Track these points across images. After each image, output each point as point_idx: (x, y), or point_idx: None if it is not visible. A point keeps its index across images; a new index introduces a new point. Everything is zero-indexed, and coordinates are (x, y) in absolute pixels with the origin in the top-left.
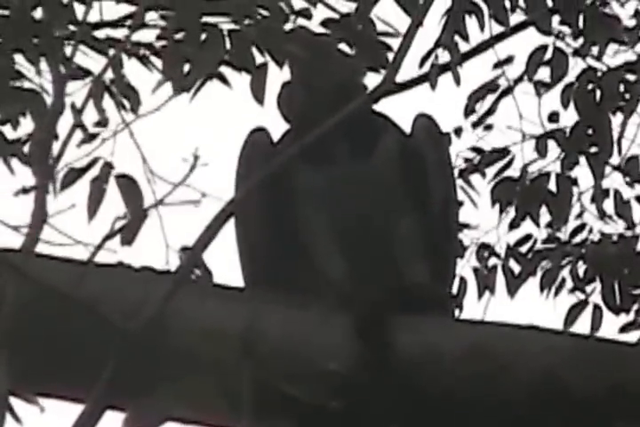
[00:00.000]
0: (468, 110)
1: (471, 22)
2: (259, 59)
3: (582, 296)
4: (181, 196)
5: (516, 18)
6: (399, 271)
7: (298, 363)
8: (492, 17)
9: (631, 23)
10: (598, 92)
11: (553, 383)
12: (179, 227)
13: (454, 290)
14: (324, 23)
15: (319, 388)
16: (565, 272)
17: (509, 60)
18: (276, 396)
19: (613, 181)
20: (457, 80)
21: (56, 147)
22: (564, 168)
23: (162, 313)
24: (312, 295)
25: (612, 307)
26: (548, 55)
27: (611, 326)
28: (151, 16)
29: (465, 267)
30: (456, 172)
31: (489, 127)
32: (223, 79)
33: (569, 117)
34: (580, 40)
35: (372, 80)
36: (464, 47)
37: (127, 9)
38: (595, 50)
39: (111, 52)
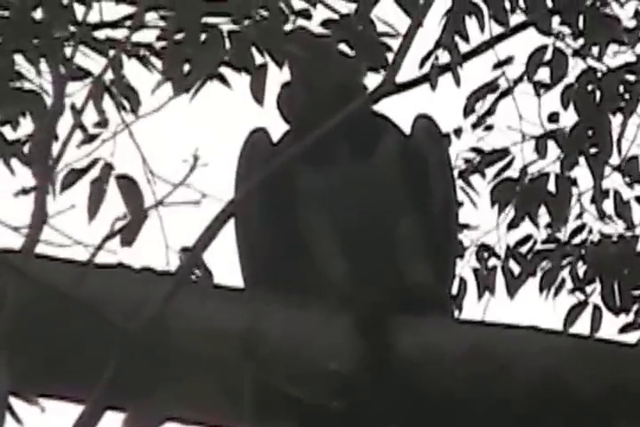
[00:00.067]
0: (468, 111)
1: (471, 23)
2: (258, 59)
3: (582, 297)
4: (181, 196)
5: (516, 18)
6: (400, 271)
7: (299, 363)
8: (492, 17)
9: (631, 24)
10: (598, 93)
11: (553, 384)
12: (179, 227)
13: (454, 290)
14: (324, 23)
15: (320, 388)
16: (565, 273)
17: (509, 60)
18: (277, 396)
19: (613, 181)
20: (457, 81)
21: (56, 147)
22: (563, 169)
23: (162, 314)
24: (313, 296)
25: (612, 307)
26: (548, 56)
27: (610, 326)
28: (151, 16)
29: (465, 267)
30: (456, 172)
31: (489, 128)
32: (223, 79)
33: (569, 118)
34: (580, 41)
35: (372, 80)
36: (464, 48)
37: (127, 9)
38: (595, 50)
39: (111, 52)
